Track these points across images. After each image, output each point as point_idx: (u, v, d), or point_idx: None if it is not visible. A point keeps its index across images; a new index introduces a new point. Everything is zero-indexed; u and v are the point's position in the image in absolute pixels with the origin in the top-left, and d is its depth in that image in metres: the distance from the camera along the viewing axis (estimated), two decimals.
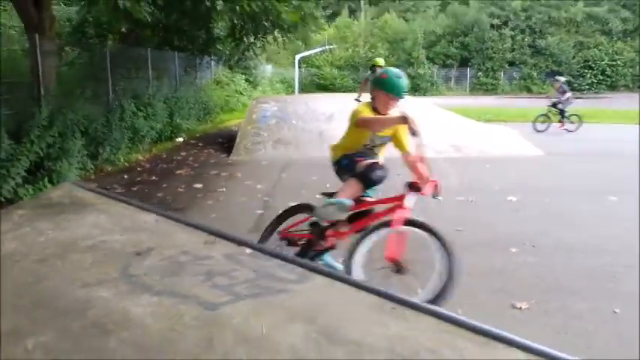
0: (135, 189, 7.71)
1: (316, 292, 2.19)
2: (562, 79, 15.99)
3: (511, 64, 38.11)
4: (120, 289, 2.13)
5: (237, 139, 11.28)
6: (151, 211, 3.28)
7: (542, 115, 14.79)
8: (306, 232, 4.40)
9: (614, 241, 5.47)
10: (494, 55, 37.87)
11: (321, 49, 35.30)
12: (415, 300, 2.15)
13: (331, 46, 36.76)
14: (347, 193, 4.01)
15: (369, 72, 13.32)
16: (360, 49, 38.15)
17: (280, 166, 9.41)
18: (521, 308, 4.00)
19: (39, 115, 7.13)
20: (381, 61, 12.74)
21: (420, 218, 4.17)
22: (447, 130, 12.15)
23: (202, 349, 1.70)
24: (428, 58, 38.41)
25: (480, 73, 38.28)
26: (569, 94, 14.83)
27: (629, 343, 3.47)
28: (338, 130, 11.18)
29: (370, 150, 4.20)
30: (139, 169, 9.31)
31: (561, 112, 14.69)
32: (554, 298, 4.20)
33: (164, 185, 7.95)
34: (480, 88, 38.15)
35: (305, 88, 36.44)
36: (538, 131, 14.45)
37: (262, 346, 1.73)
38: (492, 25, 37.84)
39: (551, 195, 7.38)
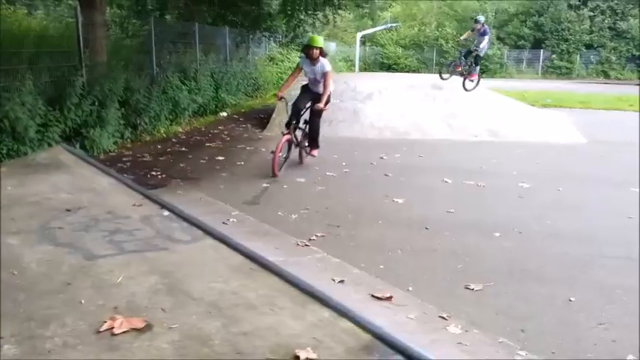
0: (162, 159, 8.21)
1: (194, 252, 2.46)
2: None
3: (588, 46, 35.98)
4: (29, 238, 2.49)
5: (273, 115, 11.61)
6: (110, 176, 3.66)
7: None
8: None
9: (608, 231, 5.36)
10: (570, 36, 35.88)
11: (383, 27, 34.83)
12: (276, 262, 2.37)
13: (394, 24, 36.16)
14: None
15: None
16: (427, 27, 37.29)
17: None
18: (473, 289, 4.07)
19: (76, 84, 7.71)
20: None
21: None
22: (485, 114, 11.90)
23: (58, 291, 2.01)
24: (498, 38, 36.95)
25: (553, 56, 36.42)
26: None
27: (565, 329, 3.50)
28: (373, 109, 11.42)
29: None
30: (174, 140, 9.85)
31: None
32: (513, 282, 4.24)
33: (190, 156, 8.42)
34: (553, 71, 36.36)
35: (368, 67, 36.22)
36: None
37: (110, 293, 2.03)
38: (570, 5, 35.78)
39: (568, 183, 7.20)
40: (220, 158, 8.29)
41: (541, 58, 36.72)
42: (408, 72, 32.41)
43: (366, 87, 12.97)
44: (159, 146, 9.13)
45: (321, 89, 7.29)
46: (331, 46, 33.94)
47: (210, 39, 14.75)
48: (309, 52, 7.19)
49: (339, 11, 26.55)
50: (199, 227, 2.64)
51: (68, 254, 2.27)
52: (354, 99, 12.39)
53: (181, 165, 7.79)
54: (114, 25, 15.15)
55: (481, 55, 13.20)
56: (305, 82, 7.80)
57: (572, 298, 3.96)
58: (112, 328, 1.72)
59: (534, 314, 3.74)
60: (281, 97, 7.61)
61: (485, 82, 26.69)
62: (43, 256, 2.20)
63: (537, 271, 4.45)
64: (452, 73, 12.86)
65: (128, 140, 9.11)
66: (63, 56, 8.32)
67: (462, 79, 13.12)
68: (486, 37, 13.23)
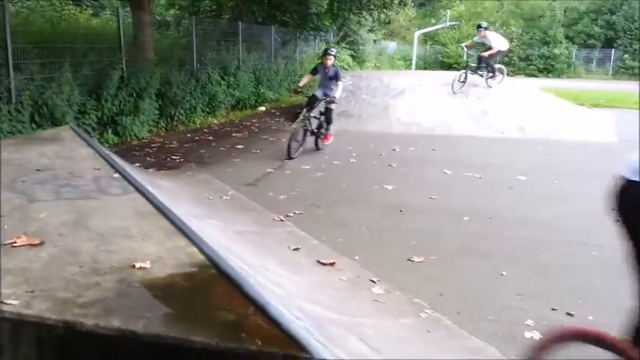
0: (187, 145, 8.98)
1: (116, 201, 3.03)
2: None
3: None
4: None
5: (303, 110, 12.14)
6: (94, 149, 4.33)
7: None
8: None
9: (578, 221, 5.47)
10: None
11: (441, 25, 34.53)
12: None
13: (454, 23, 35.73)
14: None
15: None
16: (491, 26, 36.54)
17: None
18: (413, 261, 4.43)
19: (114, 77, 8.60)
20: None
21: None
22: (517, 112, 11.89)
23: None
24: (567, 37, 35.66)
25: (626, 56, 34.68)
26: None
27: (481, 296, 3.82)
28: (403, 105, 11.73)
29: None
30: (205, 130, 10.63)
31: None
32: (457, 257, 4.54)
33: (213, 144, 9.14)
34: (624, 71, 34.62)
35: (428, 66, 36.02)
36: None
37: (30, 223, 2.64)
38: None
39: (569, 178, 7.25)
40: (240, 147, 8.94)
41: (612, 58, 35.08)
42: None
43: (400, 84, 13.26)
44: (189, 135, 9.92)
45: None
46: (389, 46, 34.13)
47: (256, 37, 15.50)
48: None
49: (400, 9, 26.96)
50: (135, 187, 3.21)
51: (17, 198, 2.90)
52: (386, 95, 12.74)
53: (202, 151, 8.49)
54: (171, 25, 16.31)
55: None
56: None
57: (504, 273, 4.23)
58: (15, 242, 2.31)
59: (460, 283, 4.06)
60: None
61: (544, 82, 26.09)
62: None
63: (486, 250, 4.72)
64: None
65: (162, 129, 9.95)
66: (106, 52, 9.25)
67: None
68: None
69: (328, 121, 8.71)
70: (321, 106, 8.73)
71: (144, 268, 2.13)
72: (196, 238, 2.36)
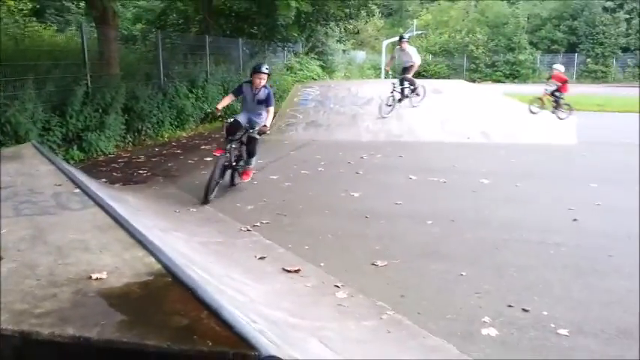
0: (154, 159, 8.98)
1: (75, 216, 3.07)
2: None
3: (625, 50, 35.20)
4: None
5: (274, 121, 12.24)
6: (54, 165, 4.35)
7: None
8: None
9: (538, 220, 5.65)
10: (605, 40, 35.21)
11: (408, 34, 35.04)
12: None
13: (420, 32, 36.38)
14: None
15: None
16: (457, 34, 37.33)
17: (297, 145, 10.22)
18: (377, 265, 4.53)
19: (78, 93, 8.57)
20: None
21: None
22: (482, 117, 12.17)
23: None
24: (531, 43, 36.64)
25: (588, 60, 35.80)
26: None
27: (442, 296, 3.94)
28: (370, 113, 11.87)
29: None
30: (173, 144, 10.63)
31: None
32: (419, 260, 4.65)
33: (181, 157, 9.15)
34: (588, 75, 35.70)
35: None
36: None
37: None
38: (605, 8, 35.14)
39: (530, 180, 7.47)
40: (208, 159, 8.95)
41: (575, 63, 36.11)
42: (437, 78, 32.47)
43: (368, 92, 13.44)
44: (157, 149, 9.91)
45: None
46: (359, 55, 34.52)
47: (224, 50, 15.58)
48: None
49: (369, 20, 27.37)
50: (95, 201, 3.25)
51: None
52: (354, 104, 12.90)
53: (169, 165, 8.50)
54: (138, 39, 16.27)
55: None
56: None
57: (463, 273, 4.36)
58: None
59: (421, 285, 4.18)
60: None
61: (510, 87, 26.66)
62: None
63: (448, 251, 4.85)
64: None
65: (130, 144, 9.92)
66: (70, 68, 9.21)
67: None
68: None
69: (250, 154, 7.06)
70: (243, 136, 6.95)
71: (100, 278, 2.19)
72: (154, 248, 2.43)
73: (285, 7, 13.89)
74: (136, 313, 1.90)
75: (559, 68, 14.11)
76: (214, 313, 1.85)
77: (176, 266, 2.21)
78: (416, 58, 12.48)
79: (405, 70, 12.54)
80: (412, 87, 12.46)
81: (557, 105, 13.68)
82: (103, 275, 2.19)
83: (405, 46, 12.41)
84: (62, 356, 1.73)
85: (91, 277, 2.19)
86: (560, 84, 13.66)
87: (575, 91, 24.78)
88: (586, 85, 31.39)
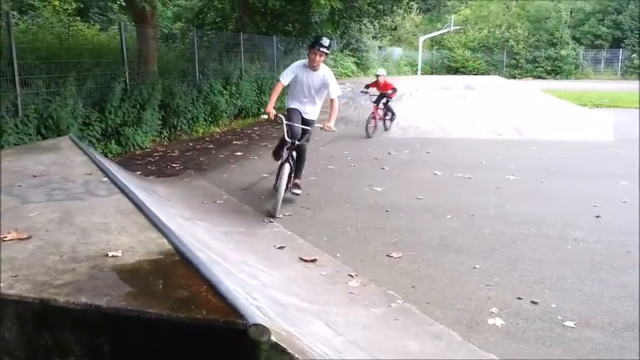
0: (187, 154, 9.30)
1: (101, 202, 3.31)
2: None
3: None
4: None
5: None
6: (87, 156, 4.63)
7: None
8: None
9: (560, 216, 5.65)
10: None
11: (445, 30, 34.76)
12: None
13: (458, 27, 35.95)
14: None
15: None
16: (497, 29, 36.73)
17: (326, 141, 10.37)
18: (392, 257, 4.65)
19: (116, 89, 8.96)
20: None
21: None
22: (516, 114, 12.08)
23: None
24: (574, 38, 35.73)
25: (634, 55, 34.63)
26: None
27: (453, 287, 4.03)
28: (402, 109, 11.92)
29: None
30: (207, 139, 10.96)
31: None
32: (435, 252, 4.75)
33: (213, 152, 9.44)
34: (633, 71, 34.54)
35: (435, 71, 36.24)
36: None
37: (21, 221, 2.93)
38: None
39: (558, 176, 7.43)
40: (239, 153, 9.23)
41: (620, 58, 35.03)
42: (476, 75, 32.09)
43: (399, 89, 13.45)
44: (191, 144, 10.24)
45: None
46: (396, 52, 34.43)
47: (259, 47, 15.87)
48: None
49: (406, 15, 27.29)
50: (121, 189, 3.48)
51: (11, 201, 3.20)
52: None
53: (201, 159, 8.80)
54: (177, 37, 16.74)
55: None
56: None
57: (476, 266, 4.44)
58: (5, 236, 2.60)
59: (433, 276, 4.28)
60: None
61: (551, 84, 26.11)
62: None
63: (464, 245, 4.93)
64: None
65: (165, 139, 10.29)
66: (110, 66, 9.63)
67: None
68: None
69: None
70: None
71: (115, 256, 2.41)
72: (167, 230, 2.63)
73: (317, 4, 14.05)
74: (143, 286, 2.10)
75: (382, 73, 11.80)
76: (212, 287, 2.03)
77: (185, 247, 2.41)
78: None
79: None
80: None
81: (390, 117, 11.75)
82: (119, 253, 2.41)
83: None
84: (75, 321, 1.94)
85: (107, 254, 2.40)
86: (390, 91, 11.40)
87: (620, 87, 24.21)
88: (632, 82, 30.44)
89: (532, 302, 3.79)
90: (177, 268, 2.27)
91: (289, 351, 1.74)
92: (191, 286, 2.09)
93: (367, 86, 11.56)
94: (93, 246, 2.52)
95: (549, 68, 35.22)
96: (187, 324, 1.85)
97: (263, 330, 1.75)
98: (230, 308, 1.89)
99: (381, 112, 11.38)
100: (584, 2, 36.05)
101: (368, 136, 11.08)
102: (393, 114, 11.63)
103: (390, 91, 11.24)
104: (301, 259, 4.56)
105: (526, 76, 34.42)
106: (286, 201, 6.17)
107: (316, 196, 6.59)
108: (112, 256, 2.41)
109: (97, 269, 2.26)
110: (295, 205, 6.15)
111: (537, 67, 35.49)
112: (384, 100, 11.33)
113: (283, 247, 4.82)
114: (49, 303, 1.97)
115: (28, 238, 2.61)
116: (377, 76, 11.56)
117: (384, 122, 11.55)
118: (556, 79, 33.82)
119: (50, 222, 2.80)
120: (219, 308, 1.91)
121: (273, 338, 1.75)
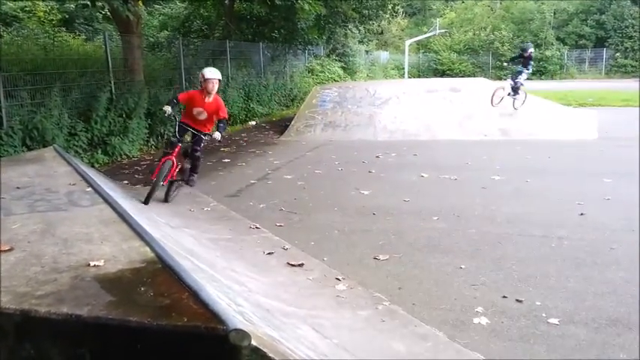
0: None
1: (84, 212, 3.31)
2: None
3: None
4: None
5: (292, 122, 12.49)
6: (71, 167, 4.62)
7: None
8: None
9: (544, 215, 5.70)
10: (634, 33, 34.40)
11: (431, 33, 35.00)
12: (133, 216, 3.17)
13: (442, 30, 36.20)
14: None
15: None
16: (482, 32, 37.02)
17: (313, 146, 10.41)
18: (379, 259, 4.67)
19: (102, 99, 8.94)
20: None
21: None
22: (501, 114, 12.16)
23: None
24: (558, 38, 36.06)
25: (617, 54, 35.04)
26: None
27: (439, 288, 4.06)
28: (388, 113, 11.99)
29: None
30: None
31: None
32: (421, 254, 4.77)
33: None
34: (617, 70, 34.95)
35: (422, 74, 36.42)
36: None
37: (8, 237, 2.92)
38: (634, 1, 34.37)
39: (542, 175, 7.50)
40: (226, 160, 9.23)
41: (604, 57, 35.41)
42: (462, 77, 32.29)
43: (386, 92, 13.55)
44: None
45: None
46: (382, 55, 34.58)
47: (245, 54, 15.90)
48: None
49: (392, 20, 27.40)
50: (104, 199, 3.48)
51: None
52: (372, 104, 13.01)
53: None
54: (163, 46, 16.74)
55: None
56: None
57: (462, 266, 4.47)
58: None
59: (419, 277, 4.30)
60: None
61: (534, 84, 26.31)
62: None
63: (450, 246, 4.96)
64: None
65: (152, 147, 10.26)
66: (96, 76, 9.60)
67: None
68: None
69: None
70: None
71: (97, 265, 2.41)
72: (150, 238, 2.64)
73: (303, 10, 14.11)
74: (124, 295, 2.10)
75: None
76: (194, 294, 2.04)
77: (167, 254, 2.41)
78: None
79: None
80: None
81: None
82: (101, 263, 2.42)
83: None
84: (56, 331, 1.94)
85: (89, 264, 2.41)
86: None
87: (604, 86, 24.47)
88: (616, 80, 30.81)
89: (517, 300, 3.82)
90: (159, 275, 2.28)
91: (270, 355, 1.75)
92: (173, 294, 2.10)
93: None
94: (75, 256, 2.52)
95: (534, 69, 35.41)
96: (169, 331, 1.86)
97: (244, 335, 1.77)
98: (211, 314, 1.90)
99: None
100: (568, 3, 36.44)
101: None
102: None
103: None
104: (288, 263, 4.57)
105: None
106: (273, 207, 6.18)
107: (304, 200, 6.61)
108: (94, 265, 2.41)
109: (79, 279, 2.26)
110: (283, 211, 6.17)
111: None
112: None
113: (271, 252, 4.83)
114: (30, 314, 1.97)
115: (10, 249, 2.61)
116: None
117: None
118: (541, 79, 34.07)
119: (32, 233, 2.79)
120: (200, 315, 1.92)
121: (254, 343, 1.77)
